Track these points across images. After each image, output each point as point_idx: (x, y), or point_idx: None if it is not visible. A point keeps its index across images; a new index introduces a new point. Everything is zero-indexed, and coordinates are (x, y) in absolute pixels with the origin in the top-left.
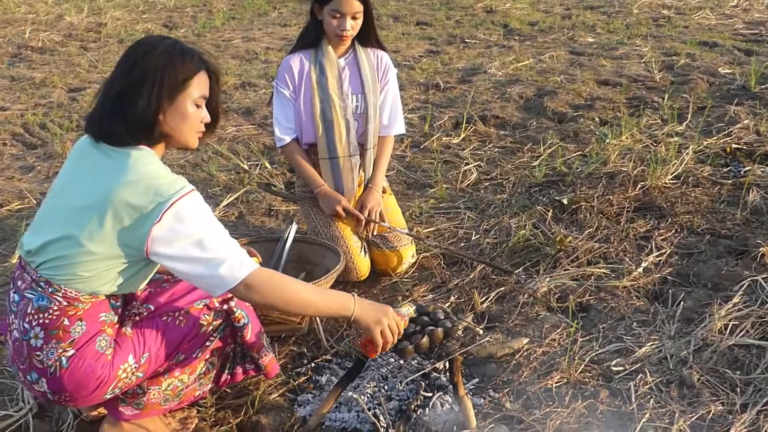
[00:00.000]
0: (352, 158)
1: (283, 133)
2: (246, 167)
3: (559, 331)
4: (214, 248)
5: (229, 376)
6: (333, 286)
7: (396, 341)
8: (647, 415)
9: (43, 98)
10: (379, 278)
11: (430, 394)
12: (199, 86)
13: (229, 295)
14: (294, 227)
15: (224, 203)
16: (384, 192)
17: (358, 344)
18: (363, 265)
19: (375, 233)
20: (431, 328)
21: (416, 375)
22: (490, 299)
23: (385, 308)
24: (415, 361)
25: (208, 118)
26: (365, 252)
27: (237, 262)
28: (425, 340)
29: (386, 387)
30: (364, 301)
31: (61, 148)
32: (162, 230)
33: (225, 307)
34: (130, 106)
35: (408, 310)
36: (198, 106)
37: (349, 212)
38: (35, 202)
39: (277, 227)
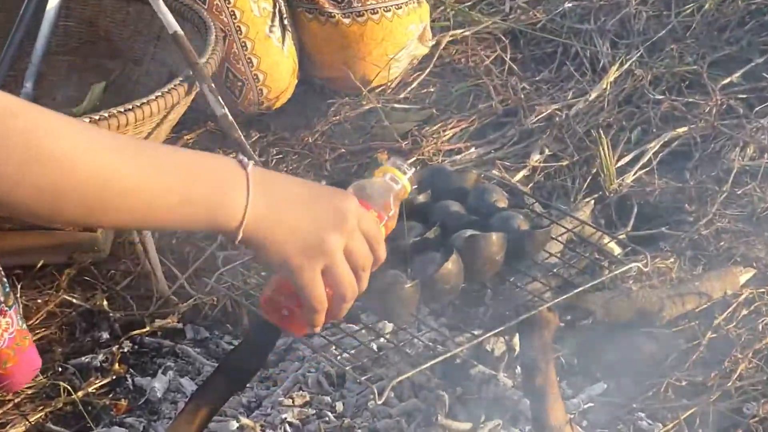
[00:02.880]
0: None
1: None
2: None
3: None
4: None
5: None
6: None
7: (364, 286)
8: None
9: None
10: (327, 97)
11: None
12: None
13: None
14: None
15: None
16: None
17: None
18: (281, 64)
19: None
20: (471, 233)
21: (437, 361)
22: (644, 162)
23: (340, 195)
24: (433, 316)
25: None
26: (283, 27)
27: None
28: (452, 264)
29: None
30: (278, 175)
31: None
32: None
33: None
34: None
35: (399, 183)
36: None
37: None
38: None
39: None
